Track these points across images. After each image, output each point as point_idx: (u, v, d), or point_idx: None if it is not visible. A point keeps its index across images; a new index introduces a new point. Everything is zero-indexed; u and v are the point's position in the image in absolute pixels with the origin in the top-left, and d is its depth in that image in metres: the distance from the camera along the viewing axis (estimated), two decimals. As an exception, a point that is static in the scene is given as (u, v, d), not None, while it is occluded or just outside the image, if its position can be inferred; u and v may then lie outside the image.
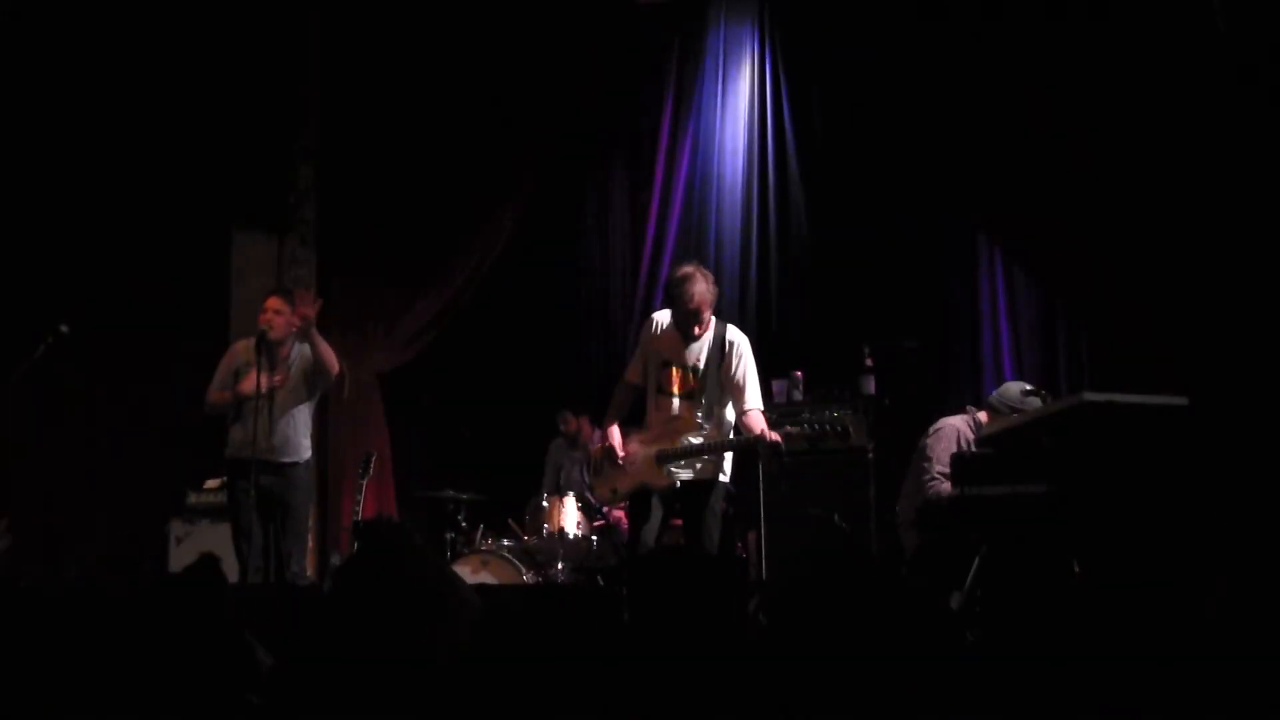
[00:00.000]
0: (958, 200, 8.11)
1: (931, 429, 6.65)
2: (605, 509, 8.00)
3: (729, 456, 6.23)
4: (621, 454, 6.23)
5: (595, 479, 6.52)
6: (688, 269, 6.14)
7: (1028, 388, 6.60)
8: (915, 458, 6.72)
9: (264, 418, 6.64)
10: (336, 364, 7.06)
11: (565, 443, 8.70)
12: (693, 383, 6.17)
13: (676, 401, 6.17)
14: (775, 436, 5.99)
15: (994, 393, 6.71)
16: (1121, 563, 4.59)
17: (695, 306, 6.04)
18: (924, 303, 8.65)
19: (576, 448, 8.62)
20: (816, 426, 6.24)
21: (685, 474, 6.16)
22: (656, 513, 6.15)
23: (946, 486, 6.43)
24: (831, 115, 8.92)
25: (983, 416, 6.64)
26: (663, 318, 6.30)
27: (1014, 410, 6.40)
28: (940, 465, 6.42)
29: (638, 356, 6.42)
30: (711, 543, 6.08)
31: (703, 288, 6.04)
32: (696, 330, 6.11)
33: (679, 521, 6.48)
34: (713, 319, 6.19)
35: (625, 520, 7.84)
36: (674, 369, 6.19)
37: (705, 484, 6.14)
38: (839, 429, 6.21)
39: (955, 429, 6.57)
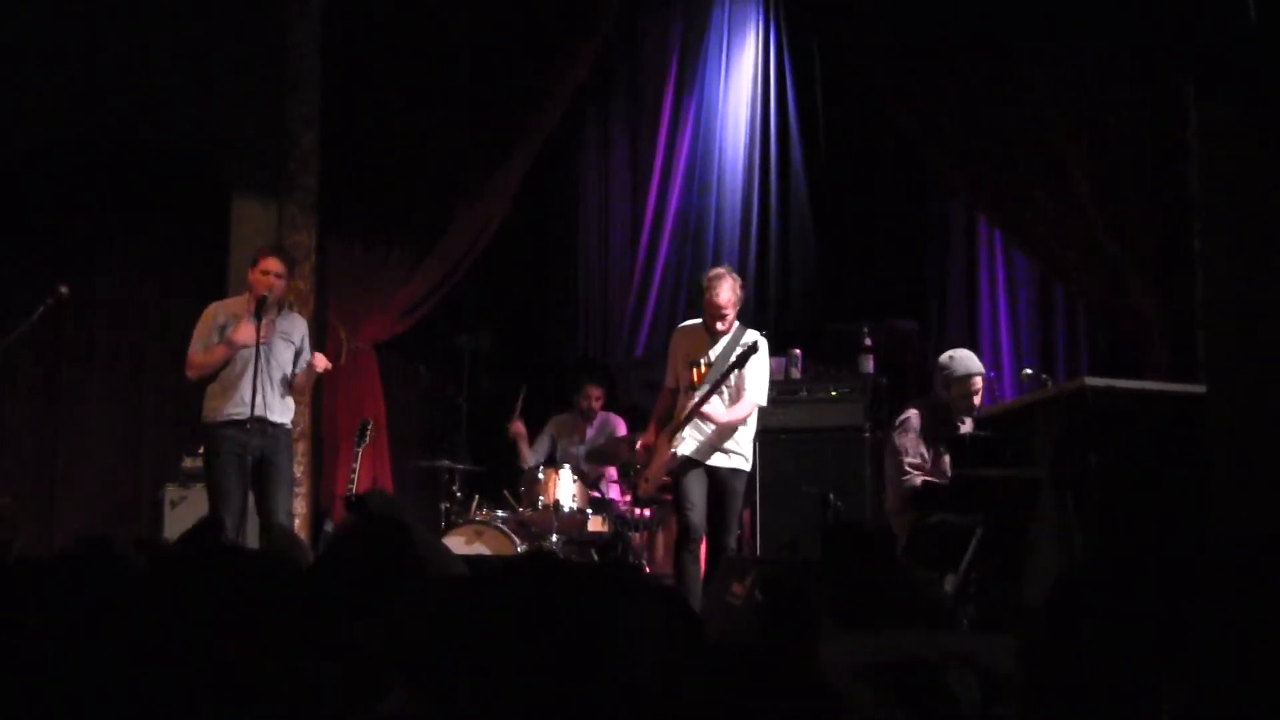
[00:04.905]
0: (959, 179, 8.10)
1: (898, 420, 6.77)
2: (601, 484, 8.08)
3: (748, 445, 6.61)
4: (648, 446, 6.74)
5: (638, 479, 7.01)
6: (720, 270, 6.62)
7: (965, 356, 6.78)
8: (886, 451, 6.85)
9: (259, 372, 6.50)
10: (305, 399, 7.16)
11: (575, 418, 8.67)
12: (707, 373, 6.53)
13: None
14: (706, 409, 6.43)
15: None
16: (1123, 550, 4.60)
17: (719, 303, 6.46)
18: (923, 283, 8.67)
19: (575, 430, 8.61)
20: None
21: (698, 444, 6.49)
22: (700, 487, 6.51)
23: (920, 479, 6.53)
24: (834, 92, 8.91)
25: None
26: (689, 324, 6.79)
27: (942, 370, 6.69)
28: (910, 457, 6.57)
29: (670, 363, 6.86)
30: (730, 531, 6.55)
31: (729, 287, 6.48)
32: (719, 326, 6.51)
33: (669, 497, 6.84)
34: (736, 321, 6.56)
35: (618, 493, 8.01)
36: (698, 368, 6.57)
37: (716, 471, 6.52)
38: (749, 349, 6.43)
39: (918, 417, 6.71)
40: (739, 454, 6.55)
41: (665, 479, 6.69)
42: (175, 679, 2.18)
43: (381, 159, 8.78)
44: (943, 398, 6.71)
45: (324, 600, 2.52)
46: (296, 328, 6.94)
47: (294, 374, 6.81)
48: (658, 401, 6.96)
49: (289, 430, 6.91)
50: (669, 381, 6.84)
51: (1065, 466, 5.15)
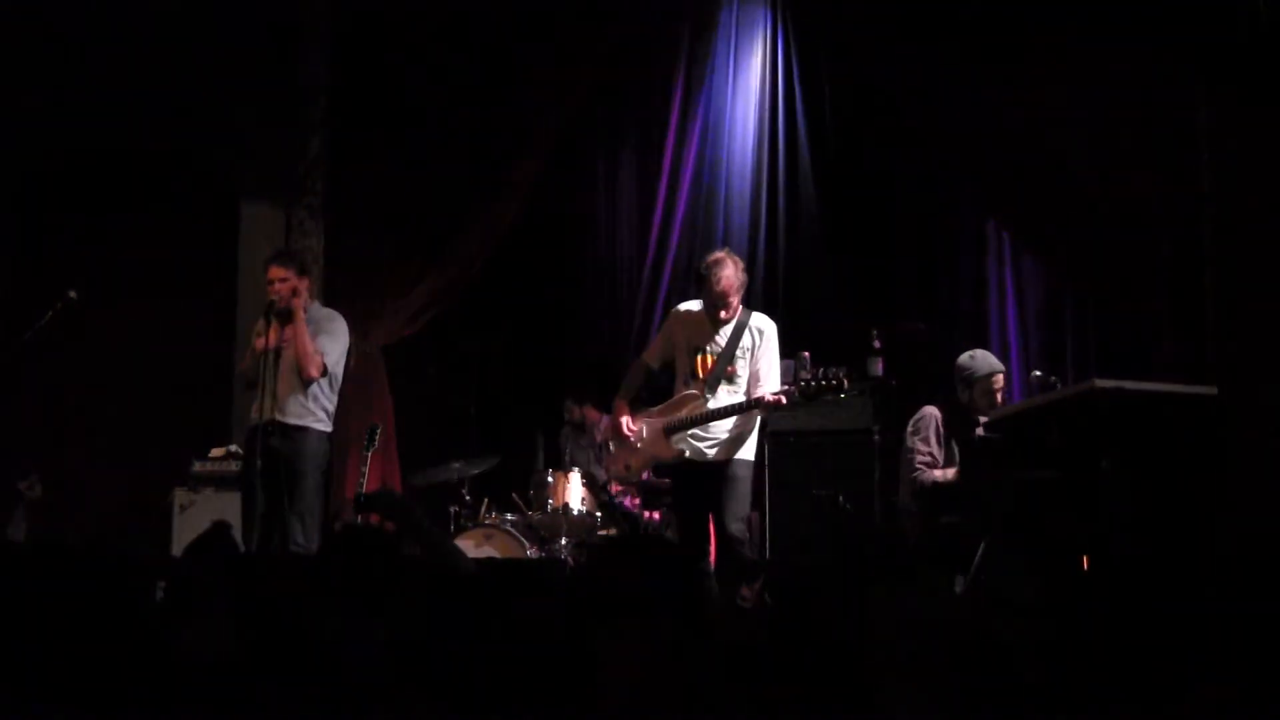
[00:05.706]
0: (967, 183, 8.10)
1: (914, 419, 6.75)
2: (611, 486, 8.04)
3: (754, 436, 6.35)
4: (631, 431, 6.43)
5: (608, 456, 6.75)
6: (719, 254, 6.28)
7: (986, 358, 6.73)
8: (903, 448, 6.82)
9: (269, 376, 6.55)
10: (315, 368, 6.69)
11: (572, 430, 8.68)
12: (714, 365, 6.29)
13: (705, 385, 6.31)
14: (773, 397, 6.12)
15: None
16: (1132, 552, 4.58)
17: (722, 290, 6.17)
18: (932, 285, 8.66)
19: (584, 434, 8.61)
20: (814, 382, 6.20)
21: (710, 450, 6.26)
22: (700, 495, 6.28)
23: (933, 473, 6.51)
24: (842, 96, 8.91)
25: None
26: (690, 306, 6.45)
27: (962, 371, 6.63)
28: (921, 456, 6.54)
29: (659, 341, 6.61)
30: (738, 522, 6.19)
31: (730, 272, 6.18)
32: (724, 315, 6.24)
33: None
34: (740, 306, 6.30)
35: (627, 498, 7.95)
36: (703, 355, 6.31)
37: (721, 464, 6.24)
38: (834, 381, 6.16)
39: (934, 416, 6.71)
40: (745, 447, 6.29)
41: (660, 481, 6.58)
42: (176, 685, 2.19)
43: (390, 163, 8.78)
44: (962, 400, 6.68)
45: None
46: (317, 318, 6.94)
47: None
48: (630, 371, 6.72)
49: (317, 434, 6.79)
50: (649, 358, 6.60)
51: (1075, 469, 5.12)
